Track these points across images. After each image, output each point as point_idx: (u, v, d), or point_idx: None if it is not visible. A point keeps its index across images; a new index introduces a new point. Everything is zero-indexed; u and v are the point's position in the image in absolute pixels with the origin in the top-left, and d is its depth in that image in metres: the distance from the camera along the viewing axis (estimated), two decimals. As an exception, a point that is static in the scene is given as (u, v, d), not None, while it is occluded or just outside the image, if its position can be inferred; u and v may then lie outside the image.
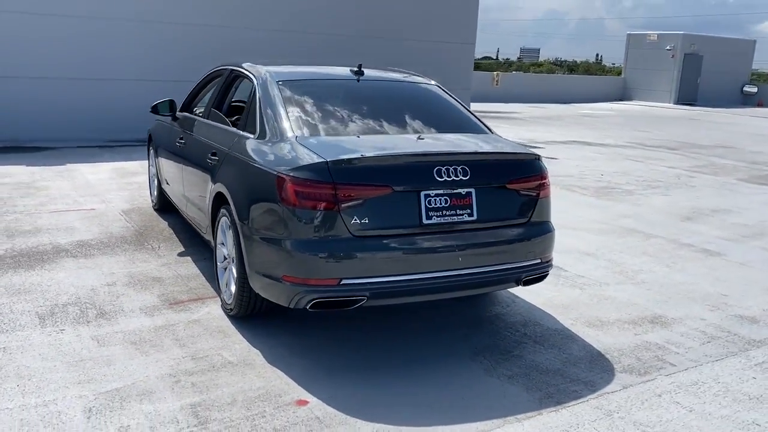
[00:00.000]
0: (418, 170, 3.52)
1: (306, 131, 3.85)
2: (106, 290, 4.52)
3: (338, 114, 4.09)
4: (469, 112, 4.56)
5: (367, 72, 4.61)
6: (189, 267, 5.06)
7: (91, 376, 3.34)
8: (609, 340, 4.12)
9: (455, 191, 3.58)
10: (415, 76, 4.96)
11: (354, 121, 4.05)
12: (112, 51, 11.46)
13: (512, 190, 3.78)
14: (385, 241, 3.45)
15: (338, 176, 3.36)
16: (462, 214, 3.61)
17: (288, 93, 4.15)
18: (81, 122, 11.26)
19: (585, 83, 36.44)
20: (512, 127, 18.47)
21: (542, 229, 3.94)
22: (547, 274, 4.04)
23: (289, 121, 3.89)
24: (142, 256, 5.27)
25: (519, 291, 4.84)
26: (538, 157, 3.95)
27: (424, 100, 4.60)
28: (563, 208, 7.84)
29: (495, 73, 31.91)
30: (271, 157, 3.66)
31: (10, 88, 10.76)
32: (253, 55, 11.85)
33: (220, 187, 4.13)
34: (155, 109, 5.63)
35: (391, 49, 14.06)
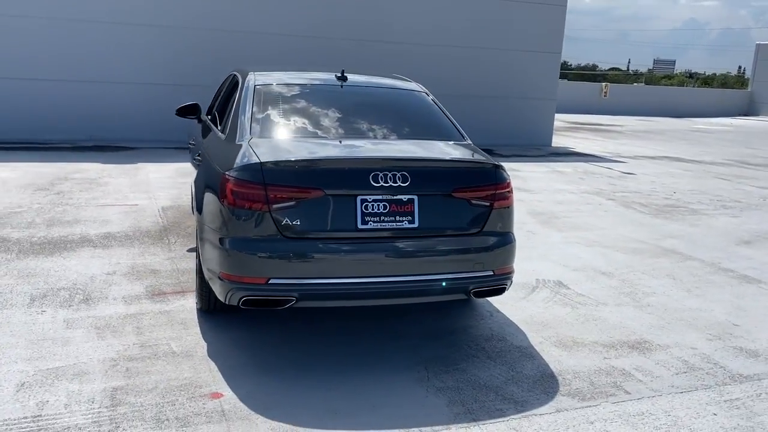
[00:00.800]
0: (353, 175, 3.52)
1: (264, 133, 3.96)
2: (103, 279, 4.85)
3: (304, 118, 4.17)
4: (448, 118, 4.48)
5: (353, 77, 4.66)
6: (190, 262, 5.31)
7: (42, 354, 3.61)
8: (571, 361, 3.90)
9: (395, 197, 3.55)
10: (402, 82, 4.93)
11: (317, 126, 4.11)
12: (196, 59, 12.19)
13: (461, 199, 3.69)
14: (317, 244, 3.48)
15: (269, 177, 3.43)
16: (402, 221, 3.57)
17: (262, 97, 4.28)
18: (166, 124, 12.04)
19: (706, 97, 34.27)
20: (603, 140, 17.74)
21: (497, 241, 3.80)
22: (505, 288, 3.89)
23: (251, 123, 4.02)
24: (154, 250, 5.59)
25: (502, 305, 4.69)
26: (494, 166, 3.82)
27: (400, 105, 4.58)
28: (606, 225, 7.47)
29: (603, 84, 30.71)
30: (223, 157, 3.80)
31: (110, 92, 11.72)
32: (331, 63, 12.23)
33: (192, 185, 4.33)
34: (179, 112, 5.94)
35: (468, 58, 13.95)
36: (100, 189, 7.86)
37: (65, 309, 4.25)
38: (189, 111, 5.89)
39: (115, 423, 3.00)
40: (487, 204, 3.75)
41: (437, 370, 3.69)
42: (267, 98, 4.28)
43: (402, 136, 4.17)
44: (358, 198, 3.50)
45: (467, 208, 3.72)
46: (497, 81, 14.30)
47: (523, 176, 10.60)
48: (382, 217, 3.54)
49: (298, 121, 4.13)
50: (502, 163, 3.95)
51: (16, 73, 11.32)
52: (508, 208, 3.88)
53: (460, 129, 4.40)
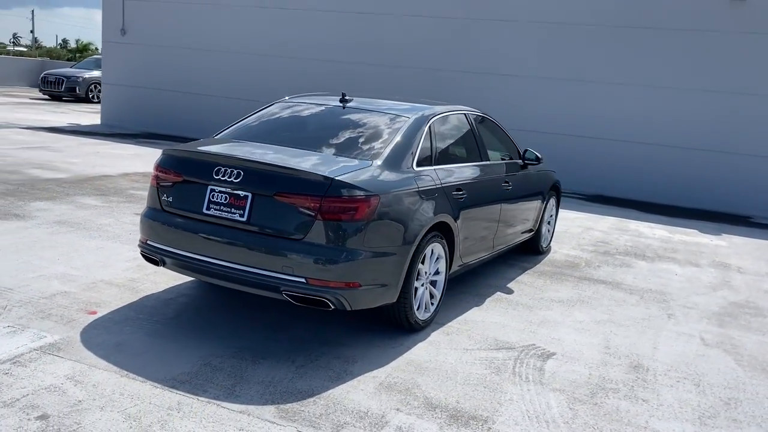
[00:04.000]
0: (201, 167, 4.21)
1: (220, 134, 4.87)
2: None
3: (259, 126, 4.90)
4: (392, 142, 4.46)
5: (359, 100, 5.05)
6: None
7: (79, 267, 5.30)
8: (362, 399, 3.59)
9: (235, 192, 4.05)
10: (408, 106, 5.02)
11: (255, 133, 4.82)
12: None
13: (288, 203, 3.90)
14: (177, 219, 4.27)
15: (161, 162, 4.42)
16: (235, 213, 4.04)
17: (269, 109, 5.17)
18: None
19: None
20: None
21: (318, 251, 3.86)
22: (326, 301, 3.87)
23: (228, 127, 4.96)
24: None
25: (434, 345, 4.35)
26: (324, 179, 3.86)
27: (359, 125, 4.70)
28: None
29: None
30: (189, 150, 4.85)
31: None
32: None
33: None
34: None
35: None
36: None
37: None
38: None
39: (23, 303, 4.45)
40: (312, 214, 3.85)
41: (245, 357, 3.95)
42: (272, 110, 5.15)
43: (303, 146, 4.46)
44: (209, 187, 4.14)
45: (294, 214, 3.91)
46: None
47: None
48: (222, 207, 4.09)
49: (251, 128, 4.89)
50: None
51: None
52: (347, 224, 3.87)
53: (386, 152, 4.37)
